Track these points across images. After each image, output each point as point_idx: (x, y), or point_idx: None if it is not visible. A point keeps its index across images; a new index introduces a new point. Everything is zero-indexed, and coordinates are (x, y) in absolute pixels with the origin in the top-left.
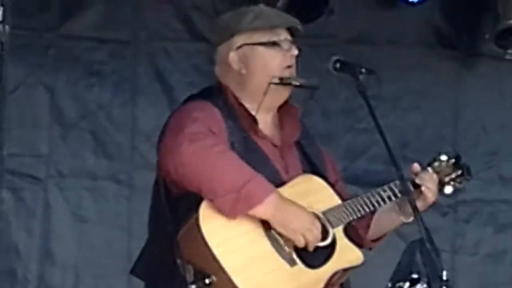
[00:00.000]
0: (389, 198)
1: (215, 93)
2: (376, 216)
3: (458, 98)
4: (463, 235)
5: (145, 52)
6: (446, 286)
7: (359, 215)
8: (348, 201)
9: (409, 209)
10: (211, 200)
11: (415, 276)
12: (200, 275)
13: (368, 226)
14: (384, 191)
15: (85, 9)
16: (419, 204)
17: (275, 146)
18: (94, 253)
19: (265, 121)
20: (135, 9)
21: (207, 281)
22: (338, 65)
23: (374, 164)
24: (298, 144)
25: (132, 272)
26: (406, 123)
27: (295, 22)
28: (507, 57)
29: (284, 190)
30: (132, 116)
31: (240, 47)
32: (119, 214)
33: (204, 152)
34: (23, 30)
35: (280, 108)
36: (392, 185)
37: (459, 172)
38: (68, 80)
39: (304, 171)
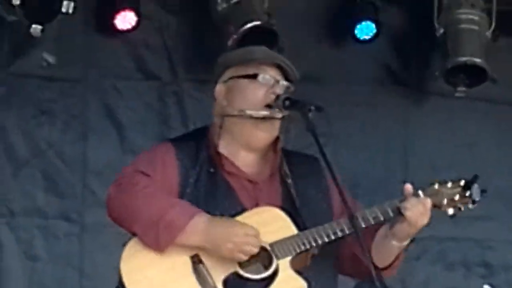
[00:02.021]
0: (349, 228)
1: (195, 133)
2: (374, 244)
3: (408, 135)
4: (412, 273)
5: (95, 90)
6: None
7: (313, 244)
8: (305, 231)
9: (400, 233)
10: (138, 238)
11: None
12: None
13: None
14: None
15: (36, 47)
16: (401, 229)
17: (251, 182)
18: None
19: (246, 159)
20: (85, 47)
21: None
22: (287, 103)
23: None
24: (283, 179)
25: None
26: (356, 161)
27: (282, 61)
28: (457, 94)
29: None
30: (83, 154)
31: (228, 80)
32: (70, 253)
33: (123, 193)
34: None
35: None
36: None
37: (467, 193)
38: (19, 118)
39: (283, 208)
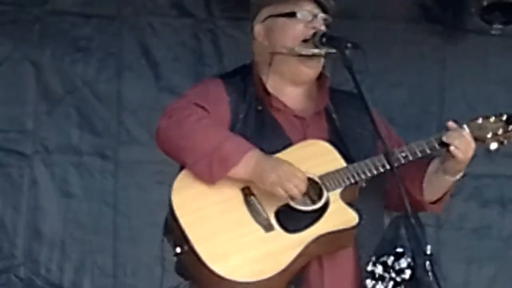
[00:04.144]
0: (397, 160)
1: (240, 70)
2: (426, 178)
3: (443, 73)
4: (448, 210)
5: (130, 28)
6: (430, 260)
7: (362, 177)
8: (353, 164)
9: (453, 167)
10: (189, 169)
11: (399, 250)
12: (175, 245)
13: (421, 190)
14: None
15: None
16: (450, 165)
17: (298, 118)
18: (80, 229)
19: (292, 95)
20: None
21: (178, 250)
22: (324, 39)
23: None
24: (329, 116)
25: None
26: (391, 98)
27: None
28: (493, 32)
29: (283, 155)
30: (118, 91)
31: (265, 19)
32: (105, 190)
33: (178, 123)
34: (8, 5)
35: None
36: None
37: (510, 127)
38: (53, 56)
39: (331, 141)
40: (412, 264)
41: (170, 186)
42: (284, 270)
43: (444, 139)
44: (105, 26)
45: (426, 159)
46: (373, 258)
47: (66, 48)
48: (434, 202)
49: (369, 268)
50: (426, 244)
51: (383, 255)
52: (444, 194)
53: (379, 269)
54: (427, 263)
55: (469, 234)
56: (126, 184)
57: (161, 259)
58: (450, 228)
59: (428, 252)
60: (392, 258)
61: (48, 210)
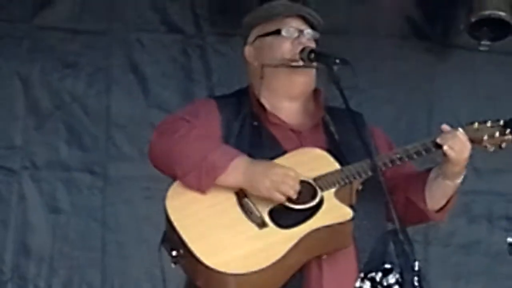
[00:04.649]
0: (392, 161)
1: (236, 93)
2: (427, 186)
3: (432, 89)
4: (436, 226)
5: (119, 43)
6: (418, 276)
7: (356, 177)
8: (348, 166)
9: (450, 169)
10: (181, 181)
11: (387, 266)
12: (172, 249)
13: (424, 198)
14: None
15: (60, 0)
16: (448, 168)
17: (295, 131)
18: (68, 245)
19: (289, 110)
20: None
21: (174, 253)
22: (312, 55)
23: None
24: (327, 129)
25: None
26: (380, 114)
27: (303, 11)
28: (481, 48)
29: (277, 161)
30: (107, 107)
31: (254, 40)
32: (93, 206)
33: (167, 138)
34: None
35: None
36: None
37: (507, 131)
38: (42, 71)
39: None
40: (400, 280)
41: (163, 197)
42: (277, 263)
43: (438, 140)
44: (94, 42)
45: (427, 169)
46: (361, 274)
47: (55, 64)
48: (438, 211)
49: (357, 284)
50: (414, 260)
51: (371, 271)
52: (448, 202)
53: (367, 285)
54: (415, 279)
55: (457, 250)
56: (114, 199)
57: (161, 268)
58: (438, 244)
59: (416, 268)
60: (380, 274)
61: (36, 226)
